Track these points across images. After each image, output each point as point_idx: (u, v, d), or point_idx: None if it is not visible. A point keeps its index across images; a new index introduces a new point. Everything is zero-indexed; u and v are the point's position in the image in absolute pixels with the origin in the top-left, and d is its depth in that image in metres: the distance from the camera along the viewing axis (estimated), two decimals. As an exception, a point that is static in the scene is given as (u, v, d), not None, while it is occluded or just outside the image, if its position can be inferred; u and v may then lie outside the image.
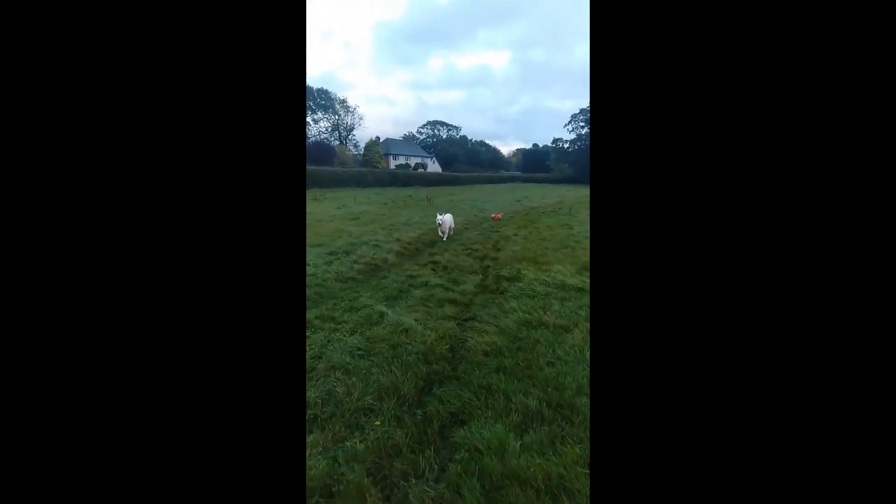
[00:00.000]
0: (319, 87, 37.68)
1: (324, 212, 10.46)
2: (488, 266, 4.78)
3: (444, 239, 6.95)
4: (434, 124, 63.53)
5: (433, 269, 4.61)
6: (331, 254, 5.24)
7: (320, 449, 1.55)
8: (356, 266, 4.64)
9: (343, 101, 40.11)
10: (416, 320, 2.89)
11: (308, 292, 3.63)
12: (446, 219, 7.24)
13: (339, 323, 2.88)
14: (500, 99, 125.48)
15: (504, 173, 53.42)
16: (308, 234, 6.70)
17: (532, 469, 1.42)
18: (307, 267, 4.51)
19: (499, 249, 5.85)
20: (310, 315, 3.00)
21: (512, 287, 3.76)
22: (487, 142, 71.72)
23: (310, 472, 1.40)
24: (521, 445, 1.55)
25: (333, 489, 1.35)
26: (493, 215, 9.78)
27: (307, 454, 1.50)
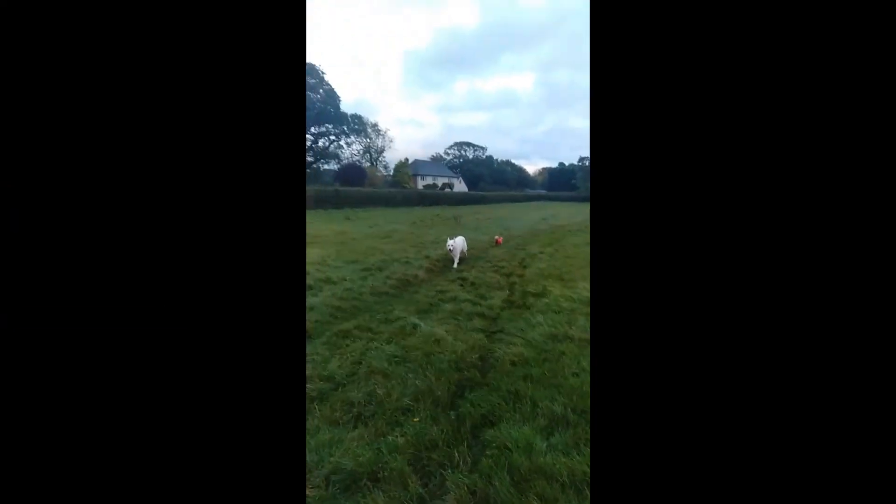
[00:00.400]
0: (353, 112, 39.67)
1: (357, 230, 10.95)
2: (515, 283, 4.91)
3: (455, 265, 6.07)
4: (461, 145, 64.81)
5: (461, 285, 4.79)
6: (365, 270, 5.54)
7: (366, 441, 1.73)
8: (389, 281, 4.90)
9: (375, 125, 41.98)
10: (446, 332, 3.07)
11: (345, 305, 3.89)
12: (458, 242, 6.37)
13: (376, 333, 3.10)
14: (524, 120, 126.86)
15: (529, 192, 53.45)
16: (343, 252, 7.08)
17: (557, 466, 1.54)
18: (344, 282, 4.81)
19: (525, 267, 5.97)
20: (348, 325, 3.24)
21: (538, 303, 3.88)
22: (513, 161, 72.31)
23: (357, 460, 1.59)
24: (547, 446, 1.67)
25: (379, 475, 1.52)
26: (496, 237, 8.74)
27: (354, 445, 1.69)
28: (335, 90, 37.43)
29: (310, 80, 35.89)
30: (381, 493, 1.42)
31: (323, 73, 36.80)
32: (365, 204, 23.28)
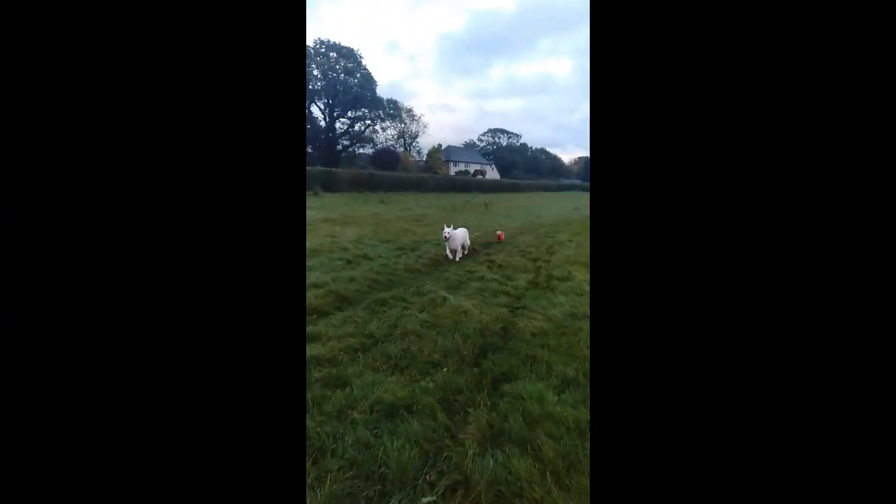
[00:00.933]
0: (389, 97, 40.04)
1: (390, 213, 11.37)
2: (541, 267, 5.10)
3: (456, 259, 5.35)
4: (494, 132, 63.92)
5: (489, 267, 5.04)
6: (399, 249, 5.90)
7: (401, 384, 2.05)
8: (421, 260, 5.22)
9: (409, 111, 42.19)
10: (473, 305, 3.34)
11: (382, 278, 4.25)
12: (457, 234, 5.39)
13: (409, 303, 3.42)
14: (560, 106, 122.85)
15: (564, 181, 52.18)
16: (379, 232, 7.48)
17: (565, 414, 1.79)
18: (380, 258, 5.18)
19: (552, 253, 6.11)
20: (385, 295, 3.59)
21: (561, 285, 4.07)
22: (548, 149, 70.68)
23: (395, 396, 1.90)
24: (557, 399, 1.92)
25: (413, 408, 1.84)
26: (497, 233, 7.48)
27: (392, 386, 2.01)
28: (371, 75, 37.82)
29: (348, 65, 36.44)
30: (414, 421, 1.73)
31: (361, 56, 37.25)
32: (397, 188, 23.76)
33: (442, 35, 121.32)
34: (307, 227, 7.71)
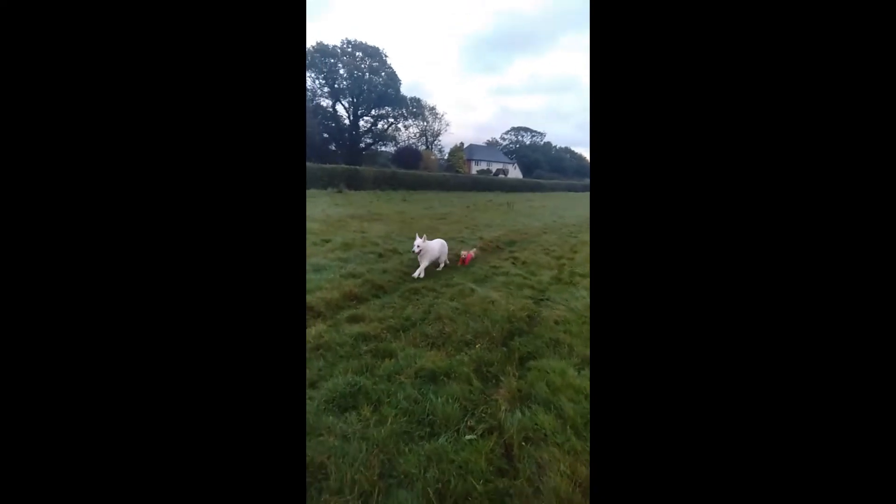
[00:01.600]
0: (412, 95, 40.61)
1: (414, 211, 11.76)
2: (564, 264, 5.33)
3: (417, 275, 4.23)
4: (517, 130, 63.65)
5: (513, 263, 5.30)
6: (426, 244, 6.23)
7: (440, 357, 2.37)
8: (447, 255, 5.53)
9: (432, 109, 42.62)
10: (499, 296, 3.63)
11: (411, 271, 4.58)
12: (431, 247, 4.37)
13: (440, 293, 3.74)
14: (586, 104, 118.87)
15: (588, 181, 51.34)
16: (405, 229, 7.84)
17: (584, 385, 2.06)
18: (409, 253, 5.51)
19: (576, 252, 6.31)
20: (417, 286, 3.92)
21: (584, 281, 4.30)
22: (572, 149, 69.68)
23: (435, 365, 2.22)
24: (577, 374, 2.19)
25: (451, 375, 2.14)
26: (463, 253, 5.26)
27: (432, 358, 2.32)
28: (395, 73, 38.43)
29: (373, 63, 37.16)
30: (453, 384, 2.03)
31: (385, 55, 37.92)
32: (419, 186, 24.18)
33: (465, 33, 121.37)
34: (336, 223, 8.17)
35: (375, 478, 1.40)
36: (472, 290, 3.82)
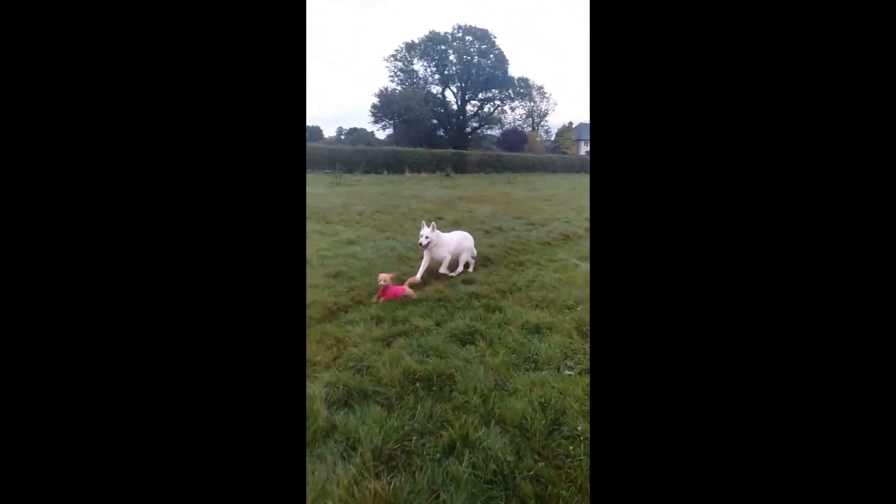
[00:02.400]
0: (520, 76, 39.58)
1: (518, 193, 11.92)
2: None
3: (451, 272, 3.60)
4: (636, 105, 56.83)
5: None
6: (530, 224, 6.46)
7: (544, 315, 2.69)
8: (551, 234, 5.70)
9: (540, 88, 41.01)
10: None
11: (516, 246, 4.92)
12: (448, 240, 3.53)
13: (543, 266, 4.01)
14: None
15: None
16: (509, 209, 8.15)
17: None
18: (513, 231, 5.85)
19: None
20: (522, 258, 4.26)
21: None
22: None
23: (540, 321, 2.55)
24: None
25: (553, 329, 2.46)
26: (383, 280, 3.00)
27: (535, 315, 2.66)
28: (504, 53, 37.84)
29: (482, 46, 37.20)
30: (555, 335, 2.36)
31: (494, 37, 37.56)
32: (523, 169, 23.89)
33: (569, 8, 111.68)
34: (446, 203, 8.87)
35: (493, 388, 1.84)
36: (576, 265, 3.99)
